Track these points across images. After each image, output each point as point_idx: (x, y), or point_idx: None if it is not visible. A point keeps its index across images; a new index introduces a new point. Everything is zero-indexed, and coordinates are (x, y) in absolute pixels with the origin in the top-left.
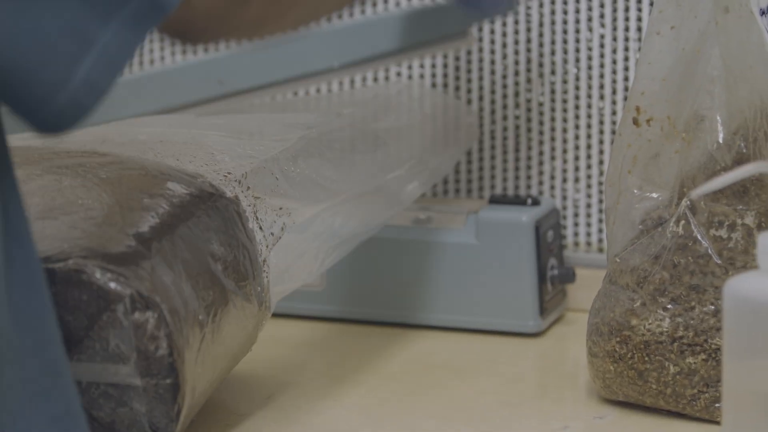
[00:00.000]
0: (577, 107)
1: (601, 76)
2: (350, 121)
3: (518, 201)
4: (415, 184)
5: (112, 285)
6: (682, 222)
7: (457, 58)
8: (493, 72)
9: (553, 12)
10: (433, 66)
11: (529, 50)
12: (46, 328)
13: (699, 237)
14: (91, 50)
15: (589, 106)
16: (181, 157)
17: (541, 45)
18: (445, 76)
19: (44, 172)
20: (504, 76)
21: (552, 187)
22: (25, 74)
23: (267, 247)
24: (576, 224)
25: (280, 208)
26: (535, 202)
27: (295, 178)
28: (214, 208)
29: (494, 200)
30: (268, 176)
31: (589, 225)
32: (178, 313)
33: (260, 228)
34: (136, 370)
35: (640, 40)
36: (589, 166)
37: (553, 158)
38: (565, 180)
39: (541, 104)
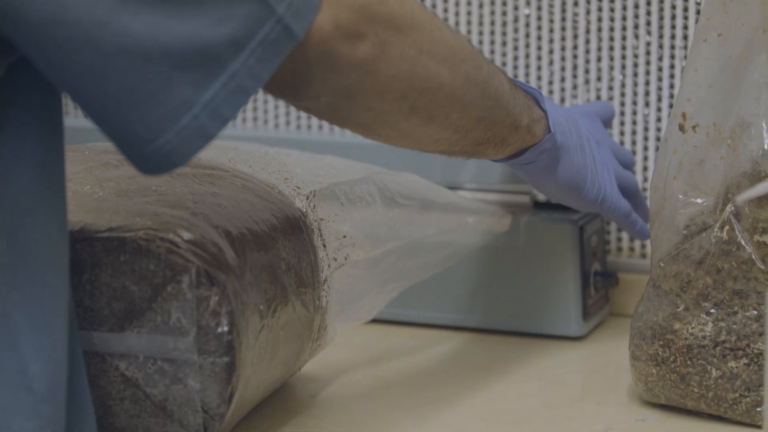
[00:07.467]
0: (622, 114)
1: (647, 83)
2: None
3: (563, 205)
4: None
5: (180, 256)
6: (726, 227)
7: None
8: (539, 78)
9: (599, 19)
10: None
11: (575, 57)
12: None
13: (743, 242)
14: (219, 77)
15: (635, 113)
16: (254, 165)
17: (587, 52)
18: None
19: (120, 163)
20: (550, 82)
21: None
22: (148, 94)
23: (329, 266)
24: (619, 229)
25: (344, 237)
26: None
27: (359, 211)
28: (282, 213)
29: (539, 203)
30: (334, 200)
31: None
32: (240, 295)
33: (324, 246)
34: (194, 345)
35: (686, 47)
36: (633, 172)
37: None
38: None
39: None
